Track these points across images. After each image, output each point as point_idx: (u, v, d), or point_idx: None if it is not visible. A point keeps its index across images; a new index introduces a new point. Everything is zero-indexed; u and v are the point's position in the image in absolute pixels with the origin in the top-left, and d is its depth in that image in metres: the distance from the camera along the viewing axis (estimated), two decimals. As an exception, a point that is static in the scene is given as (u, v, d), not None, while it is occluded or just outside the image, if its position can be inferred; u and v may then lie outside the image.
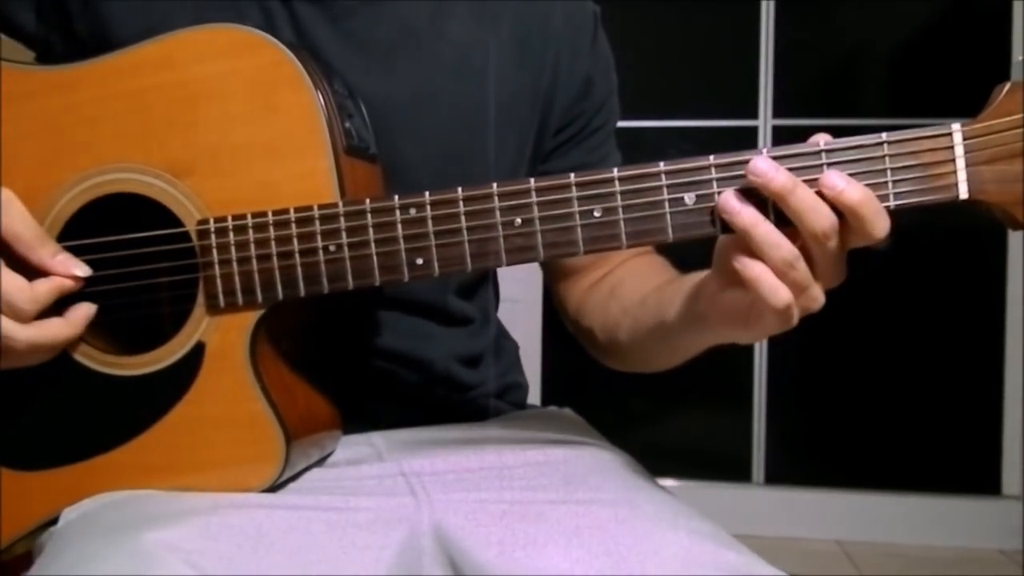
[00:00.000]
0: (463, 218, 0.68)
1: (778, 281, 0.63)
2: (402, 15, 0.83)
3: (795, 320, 0.66)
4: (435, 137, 0.83)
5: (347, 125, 0.72)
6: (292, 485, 0.75)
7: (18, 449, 0.75)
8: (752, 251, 0.64)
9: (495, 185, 0.67)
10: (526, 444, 0.82)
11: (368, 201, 0.69)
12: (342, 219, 0.69)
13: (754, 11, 2.66)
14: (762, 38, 2.66)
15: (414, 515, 0.72)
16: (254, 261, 0.70)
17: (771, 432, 2.69)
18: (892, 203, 0.64)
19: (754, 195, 0.64)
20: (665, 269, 0.88)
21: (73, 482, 0.74)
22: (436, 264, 0.68)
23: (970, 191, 0.64)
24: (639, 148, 2.61)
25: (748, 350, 2.64)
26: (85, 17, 0.80)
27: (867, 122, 2.63)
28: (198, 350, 0.72)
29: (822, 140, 0.65)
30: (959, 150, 0.64)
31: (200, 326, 0.72)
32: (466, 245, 0.68)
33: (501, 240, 0.68)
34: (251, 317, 0.71)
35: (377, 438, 0.84)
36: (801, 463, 2.71)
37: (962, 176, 0.64)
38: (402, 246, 0.68)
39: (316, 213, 0.69)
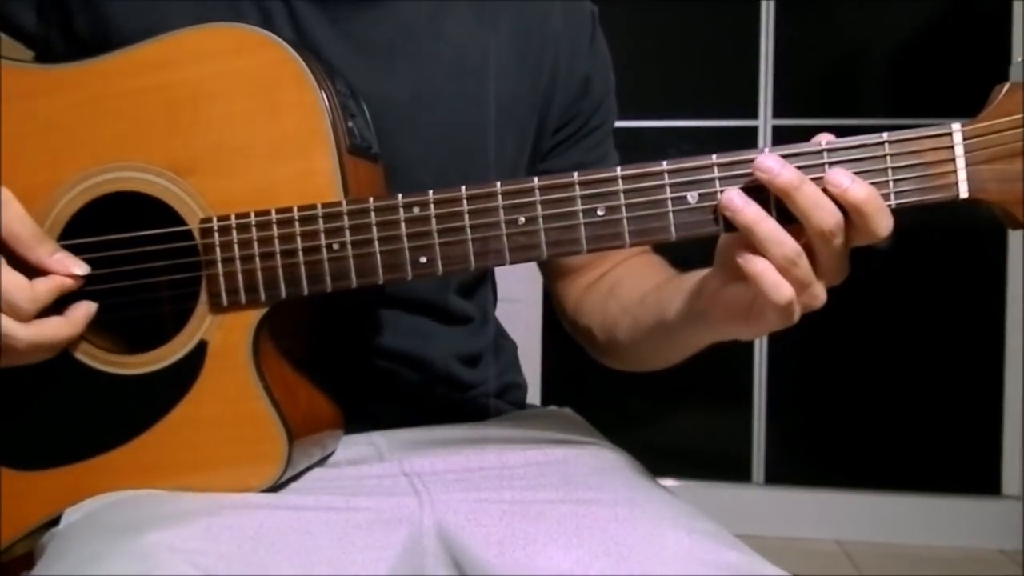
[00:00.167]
0: (467, 217, 0.68)
1: (780, 277, 0.64)
2: (401, 15, 0.83)
3: (796, 317, 0.66)
4: (434, 137, 0.83)
5: (350, 125, 0.72)
6: (293, 485, 0.75)
7: (19, 448, 0.75)
8: (755, 248, 0.64)
9: (499, 184, 0.68)
10: (527, 444, 0.82)
11: (372, 200, 0.69)
12: (345, 218, 0.69)
13: (754, 11, 2.66)
14: (762, 38, 2.66)
15: (416, 515, 0.72)
16: (257, 259, 0.70)
17: (771, 432, 2.69)
18: (893, 202, 0.64)
19: (756, 193, 0.64)
20: (664, 268, 0.89)
21: (74, 482, 0.73)
22: (440, 263, 0.68)
23: (970, 190, 0.64)
24: (639, 148, 2.61)
25: (748, 349, 2.65)
26: (86, 16, 0.80)
27: (867, 122, 2.64)
28: (200, 349, 0.72)
29: (824, 139, 0.65)
30: (959, 149, 0.64)
31: (202, 325, 0.72)
32: (470, 244, 0.68)
33: (504, 239, 0.68)
34: (254, 316, 0.71)
35: (378, 438, 0.84)
36: (801, 463, 2.71)
37: (962, 175, 0.64)
38: (406, 244, 0.68)
39: (320, 212, 0.69)
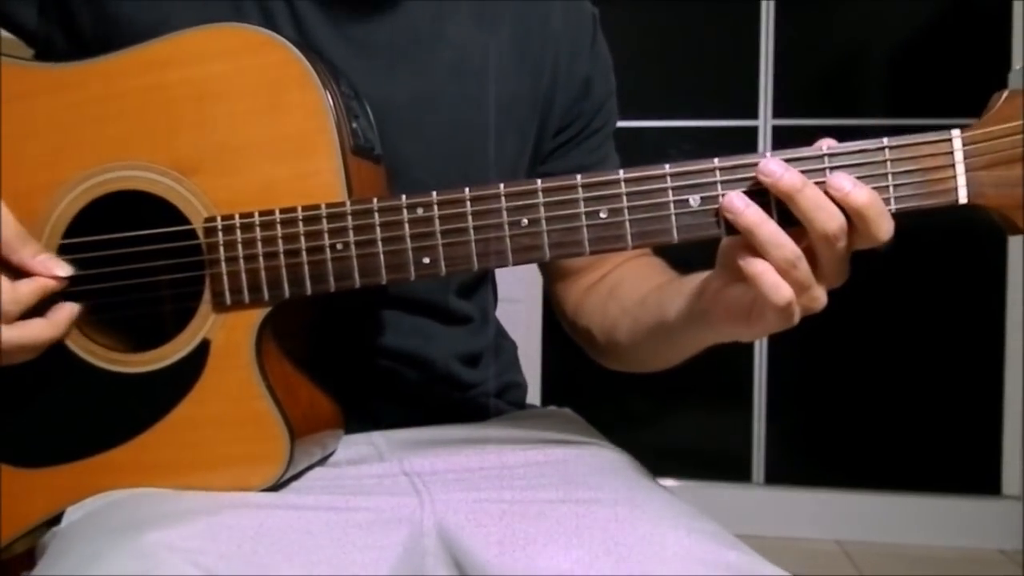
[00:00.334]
0: (470, 218, 0.68)
1: (780, 279, 0.64)
2: (403, 17, 0.83)
3: (796, 319, 0.67)
4: (435, 138, 0.83)
5: (354, 125, 0.72)
6: (293, 484, 0.75)
7: (21, 446, 0.75)
8: (756, 250, 0.64)
9: (502, 185, 0.68)
10: (526, 444, 0.82)
11: (376, 200, 0.69)
12: (349, 218, 0.69)
13: (754, 11, 2.66)
14: (762, 38, 2.66)
15: (417, 515, 0.72)
16: (261, 259, 0.70)
17: (771, 432, 2.69)
18: (893, 207, 0.65)
19: (758, 197, 0.65)
20: (664, 270, 0.89)
21: (75, 480, 0.74)
22: (443, 263, 0.69)
23: (969, 195, 0.65)
24: (639, 148, 2.61)
25: (748, 350, 2.65)
26: (89, 15, 0.80)
27: (867, 122, 2.64)
28: (203, 348, 0.72)
29: (825, 145, 0.66)
30: (959, 155, 0.65)
31: (205, 324, 0.72)
32: (472, 245, 0.68)
33: (507, 240, 0.68)
34: (257, 315, 0.71)
35: (378, 437, 0.84)
36: (801, 463, 2.71)
37: (961, 181, 0.65)
38: (409, 245, 0.69)
39: (323, 212, 0.69)
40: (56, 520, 0.73)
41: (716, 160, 0.66)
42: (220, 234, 0.71)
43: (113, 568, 0.60)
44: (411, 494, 0.74)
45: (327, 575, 0.66)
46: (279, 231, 0.70)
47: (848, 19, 2.68)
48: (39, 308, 0.71)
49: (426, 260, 0.69)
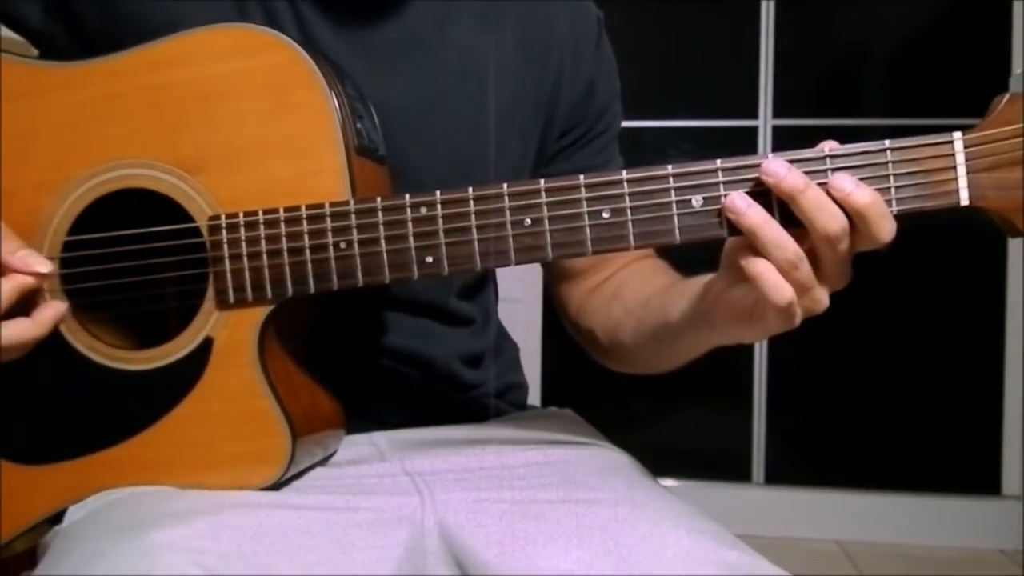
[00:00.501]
0: (473, 217, 0.68)
1: (781, 279, 0.64)
2: (407, 20, 0.83)
3: (797, 320, 0.67)
4: (439, 140, 0.83)
5: (358, 126, 0.72)
6: (294, 484, 0.75)
7: (22, 443, 0.75)
8: (758, 251, 0.65)
9: (505, 185, 0.68)
10: (527, 444, 0.82)
11: (379, 199, 0.69)
12: (353, 217, 0.69)
13: (754, 11, 2.66)
14: (762, 38, 2.66)
15: (418, 515, 0.72)
16: (264, 257, 0.70)
17: (771, 432, 2.69)
18: (894, 208, 0.65)
19: (760, 197, 0.65)
20: (668, 272, 0.89)
21: (76, 477, 0.74)
22: (446, 262, 0.69)
23: (970, 198, 0.65)
24: (639, 148, 2.61)
25: (748, 350, 2.65)
26: (95, 14, 0.80)
27: (867, 122, 2.64)
28: (206, 345, 0.72)
29: (827, 147, 0.66)
30: (960, 157, 0.65)
31: (209, 321, 0.72)
32: (475, 244, 0.68)
33: (510, 239, 0.68)
34: (260, 313, 0.71)
35: (379, 438, 0.84)
36: (801, 463, 2.71)
37: (963, 183, 0.65)
38: (412, 244, 0.69)
39: (327, 210, 0.69)
40: (57, 518, 0.73)
41: (718, 161, 0.66)
42: (224, 232, 0.71)
43: (114, 567, 0.60)
44: (412, 494, 0.74)
45: (328, 575, 0.66)
46: (283, 229, 0.70)
47: (848, 19, 2.68)
48: (26, 307, 0.71)
49: (429, 259, 0.69)
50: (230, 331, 0.72)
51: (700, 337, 0.76)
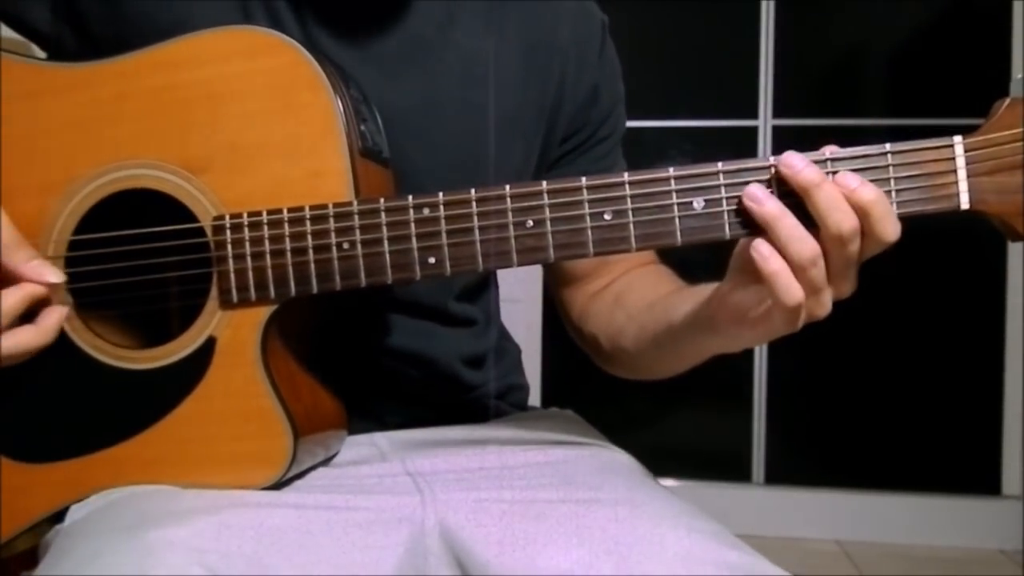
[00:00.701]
0: (475, 218, 0.68)
1: (794, 280, 0.64)
2: (410, 23, 0.83)
3: (800, 323, 0.67)
4: (441, 145, 0.83)
5: (362, 128, 0.73)
6: (295, 484, 0.75)
7: (24, 441, 0.75)
8: (773, 246, 0.64)
9: (507, 187, 0.68)
10: (527, 444, 0.82)
11: (382, 200, 0.69)
12: (356, 217, 0.69)
13: (754, 11, 2.66)
14: (762, 38, 2.66)
15: (418, 515, 0.72)
16: (267, 257, 0.71)
17: (771, 432, 2.69)
18: (895, 211, 0.65)
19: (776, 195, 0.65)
20: (672, 278, 0.89)
21: (78, 475, 0.74)
22: (448, 263, 0.69)
23: (971, 201, 0.66)
24: (639, 148, 2.61)
25: (748, 350, 2.64)
26: (102, 16, 0.80)
27: (867, 122, 2.64)
28: (209, 345, 0.72)
29: (828, 150, 0.66)
30: (960, 161, 0.65)
31: (212, 321, 0.72)
32: (478, 245, 0.69)
33: (512, 240, 0.68)
34: (263, 313, 0.71)
35: (380, 438, 0.84)
36: (801, 463, 2.71)
37: (963, 187, 0.65)
38: (415, 245, 0.69)
39: (331, 211, 0.70)
40: (58, 517, 0.74)
41: (720, 163, 0.67)
42: (228, 232, 0.71)
43: (116, 567, 0.60)
44: (413, 493, 0.74)
45: (328, 575, 0.66)
46: (286, 230, 0.70)
47: (848, 19, 2.68)
48: (28, 313, 0.71)
49: (431, 260, 0.69)
50: (233, 331, 0.72)
51: (703, 342, 0.76)
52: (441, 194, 0.69)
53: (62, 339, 0.73)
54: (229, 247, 0.71)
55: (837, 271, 0.66)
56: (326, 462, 0.80)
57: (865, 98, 2.77)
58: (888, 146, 0.65)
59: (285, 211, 0.70)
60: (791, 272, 0.64)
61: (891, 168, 0.65)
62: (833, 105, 2.69)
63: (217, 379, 0.72)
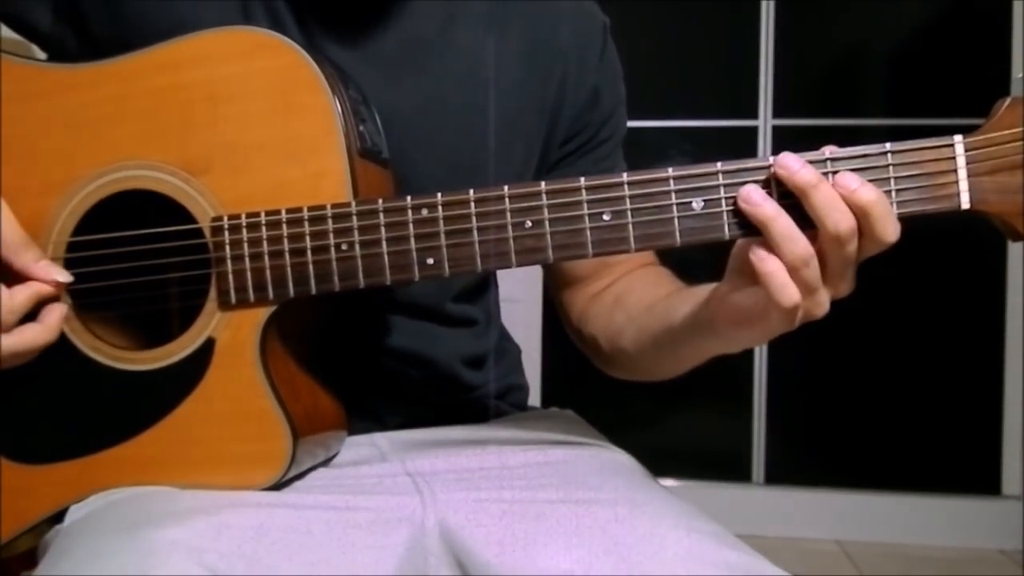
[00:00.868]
0: (474, 219, 0.68)
1: (789, 280, 0.64)
2: (411, 25, 0.83)
3: (797, 323, 0.67)
4: (441, 146, 0.83)
5: (361, 129, 0.73)
6: (295, 484, 0.75)
7: (24, 442, 0.75)
8: (769, 249, 0.65)
9: (506, 187, 0.68)
10: (527, 444, 0.82)
11: (381, 201, 0.69)
12: (354, 218, 0.69)
13: (754, 11, 2.66)
14: (762, 38, 2.66)
15: (419, 515, 0.72)
16: (266, 258, 0.71)
17: (771, 432, 2.69)
18: (896, 211, 0.65)
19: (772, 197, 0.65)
20: (672, 280, 0.89)
21: (78, 476, 0.74)
22: (446, 264, 0.69)
23: (971, 201, 0.66)
24: (639, 148, 2.61)
25: (748, 350, 2.64)
26: (104, 17, 0.81)
27: (867, 122, 2.64)
28: (208, 346, 0.72)
29: (828, 150, 0.66)
30: (961, 161, 0.65)
31: (211, 322, 0.72)
32: (476, 246, 0.69)
33: (511, 241, 0.68)
34: (262, 314, 0.71)
35: (380, 439, 0.84)
36: (801, 463, 2.71)
37: (964, 186, 0.65)
38: (413, 246, 0.69)
39: (329, 212, 0.70)
40: (58, 518, 0.74)
41: (719, 164, 0.67)
42: (227, 233, 0.71)
43: (116, 567, 0.61)
44: (413, 494, 0.74)
45: (328, 575, 0.66)
46: (285, 231, 0.70)
47: (848, 19, 2.68)
48: (28, 313, 0.71)
49: (430, 261, 0.69)
50: (232, 332, 0.72)
51: (702, 343, 0.76)
52: (439, 195, 0.69)
53: (61, 340, 0.73)
54: (227, 248, 0.71)
55: (835, 271, 0.66)
56: (326, 463, 0.80)
57: (865, 98, 2.77)
58: (888, 146, 0.65)
59: (283, 212, 0.70)
60: (787, 272, 0.64)
61: (891, 168, 0.65)
62: (833, 105, 2.69)
63: (216, 380, 0.72)
